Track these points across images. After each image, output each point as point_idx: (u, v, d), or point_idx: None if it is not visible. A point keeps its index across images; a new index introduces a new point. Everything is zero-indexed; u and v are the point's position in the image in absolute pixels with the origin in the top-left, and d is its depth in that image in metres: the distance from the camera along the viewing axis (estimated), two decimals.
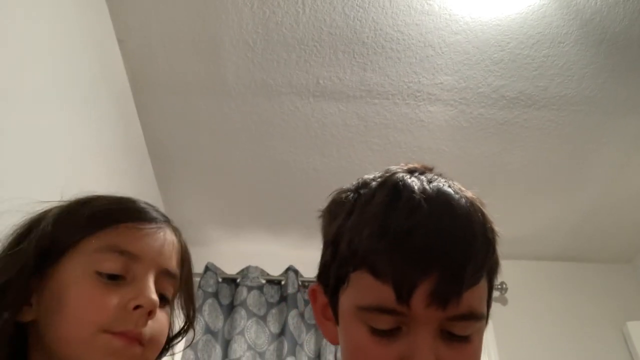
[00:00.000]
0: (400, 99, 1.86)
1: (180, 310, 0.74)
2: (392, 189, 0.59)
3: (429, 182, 0.60)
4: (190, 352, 2.03)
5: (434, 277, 0.52)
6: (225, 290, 2.28)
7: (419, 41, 1.69)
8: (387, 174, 0.63)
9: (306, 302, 2.27)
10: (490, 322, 2.15)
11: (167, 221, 0.74)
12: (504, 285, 2.42)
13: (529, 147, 2.02)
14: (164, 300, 0.68)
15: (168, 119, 1.92)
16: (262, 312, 2.21)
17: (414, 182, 0.59)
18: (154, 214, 0.72)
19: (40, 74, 1.24)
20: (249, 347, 2.09)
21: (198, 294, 2.19)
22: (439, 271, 0.52)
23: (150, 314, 0.63)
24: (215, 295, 2.23)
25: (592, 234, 2.47)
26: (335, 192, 0.71)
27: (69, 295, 0.61)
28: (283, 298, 2.26)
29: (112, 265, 0.63)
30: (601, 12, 1.60)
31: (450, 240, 0.54)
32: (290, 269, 2.29)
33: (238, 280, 2.29)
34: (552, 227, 2.43)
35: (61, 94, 1.34)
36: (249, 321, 2.16)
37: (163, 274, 0.68)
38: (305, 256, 2.46)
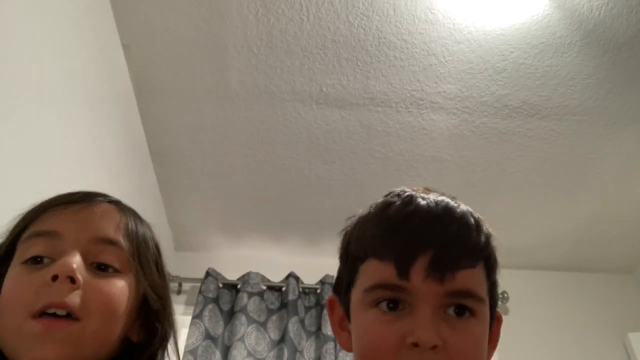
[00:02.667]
0: (403, 107, 1.86)
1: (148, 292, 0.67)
2: (391, 194, 0.67)
3: (433, 194, 0.66)
4: (190, 358, 2.02)
5: (430, 254, 0.58)
6: (226, 296, 2.27)
7: (423, 50, 1.69)
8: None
9: (307, 309, 2.26)
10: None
11: (111, 201, 0.70)
12: (506, 295, 2.41)
13: (531, 156, 2.02)
14: (108, 269, 0.63)
15: (171, 124, 1.93)
16: (262, 319, 2.21)
17: (418, 192, 0.66)
18: (88, 194, 0.68)
19: (44, 77, 1.24)
20: (249, 354, 2.08)
21: (198, 299, 2.19)
22: (435, 249, 0.59)
23: (73, 280, 0.58)
24: (216, 300, 2.23)
25: (594, 244, 2.46)
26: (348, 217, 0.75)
27: (2, 293, 0.60)
28: (283, 304, 2.25)
29: (34, 249, 0.61)
30: (604, 23, 1.60)
31: (444, 225, 0.61)
32: (291, 275, 2.29)
33: (239, 286, 2.29)
34: (554, 236, 2.42)
35: (65, 98, 1.34)
36: (249, 327, 2.15)
37: (97, 243, 0.63)
38: (307, 263, 2.47)
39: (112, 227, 0.65)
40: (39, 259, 0.61)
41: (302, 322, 2.20)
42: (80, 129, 1.45)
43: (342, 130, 1.95)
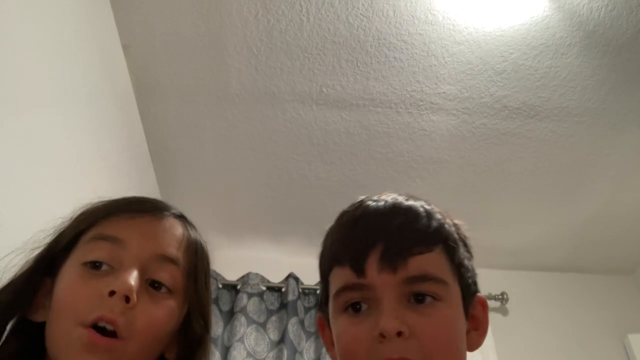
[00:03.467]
0: (403, 108, 1.86)
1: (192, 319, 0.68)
2: (350, 205, 0.71)
3: (388, 195, 0.69)
4: None
5: (380, 247, 0.61)
6: (225, 297, 2.27)
7: (422, 51, 1.69)
8: None
9: (306, 310, 2.26)
10: (490, 332, 2.14)
11: (177, 215, 0.70)
12: (505, 296, 2.41)
13: (531, 157, 2.02)
14: (161, 288, 0.64)
15: (171, 125, 1.93)
16: (262, 319, 2.21)
17: (372, 196, 0.70)
18: (153, 205, 0.69)
19: (44, 78, 1.24)
20: (249, 354, 2.08)
21: None
22: (384, 242, 0.62)
23: (128, 300, 0.58)
24: (215, 301, 2.22)
25: (594, 245, 2.46)
26: None
27: (58, 291, 0.61)
28: (283, 305, 2.25)
29: (96, 253, 0.62)
30: (604, 24, 1.60)
31: (391, 219, 0.64)
32: (290, 276, 2.29)
33: (238, 287, 2.29)
34: (553, 238, 2.42)
35: (65, 98, 1.34)
36: (249, 328, 2.15)
37: (158, 260, 0.64)
38: (306, 263, 2.46)
39: (174, 244, 0.67)
40: (98, 264, 0.61)
41: (301, 322, 2.20)
42: (80, 129, 1.45)
43: (342, 131, 1.95)
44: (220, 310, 2.22)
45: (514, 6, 1.57)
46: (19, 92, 1.12)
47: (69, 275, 0.62)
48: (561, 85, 1.78)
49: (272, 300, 2.29)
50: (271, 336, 2.17)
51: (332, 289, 0.65)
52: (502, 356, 2.28)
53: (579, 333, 2.38)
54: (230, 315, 2.21)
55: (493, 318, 2.40)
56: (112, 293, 0.58)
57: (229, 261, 2.42)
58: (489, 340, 2.32)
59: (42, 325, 0.62)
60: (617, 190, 2.17)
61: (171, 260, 0.65)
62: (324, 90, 1.81)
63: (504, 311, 2.44)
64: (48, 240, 0.67)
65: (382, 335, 0.57)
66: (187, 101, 1.84)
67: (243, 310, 2.18)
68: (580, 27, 1.62)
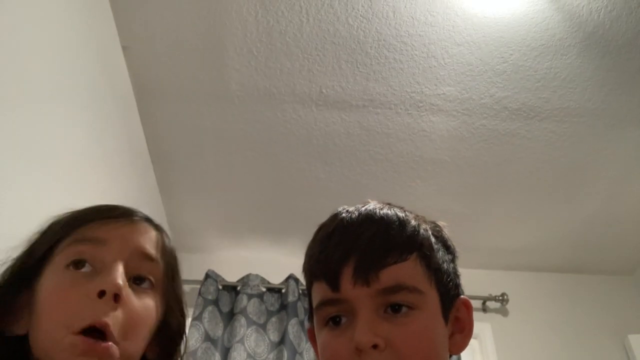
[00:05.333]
0: (403, 109, 1.86)
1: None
2: (327, 218, 0.71)
3: (364, 205, 0.70)
4: None
5: (353, 261, 0.62)
6: (226, 298, 2.27)
7: (422, 52, 1.69)
8: None
9: (307, 311, 2.26)
10: (490, 332, 2.14)
11: (144, 218, 0.71)
12: (505, 297, 2.41)
13: (531, 158, 2.02)
14: (143, 283, 0.65)
15: (171, 126, 1.93)
16: (262, 320, 2.21)
17: (348, 207, 0.70)
18: (125, 210, 0.70)
19: (45, 79, 1.24)
20: (249, 356, 2.08)
21: (198, 301, 2.19)
22: (356, 256, 0.62)
23: (117, 298, 0.59)
24: (215, 302, 2.22)
25: (594, 246, 2.46)
26: None
27: (40, 300, 0.60)
28: (283, 306, 2.25)
29: (77, 254, 0.62)
30: (604, 25, 1.60)
31: (362, 231, 0.64)
32: (291, 277, 2.29)
33: (238, 288, 2.29)
34: (554, 238, 2.42)
35: (65, 99, 1.34)
36: (249, 329, 2.15)
37: (137, 256, 0.65)
38: None
39: (152, 243, 0.68)
40: (81, 263, 0.61)
41: (301, 323, 2.20)
42: (80, 130, 1.45)
43: (341, 132, 1.95)
44: (220, 312, 2.22)
45: (514, 7, 1.57)
46: (18, 93, 1.12)
47: (53, 280, 0.61)
48: (561, 86, 1.78)
49: (272, 301, 2.29)
50: (271, 337, 2.17)
51: (314, 303, 0.67)
52: (502, 356, 2.28)
53: (579, 334, 2.38)
54: (230, 317, 2.21)
55: (493, 318, 2.41)
56: (101, 293, 0.58)
57: (229, 262, 2.43)
58: (489, 341, 2.32)
59: (21, 338, 0.61)
60: (617, 191, 2.17)
61: (151, 259, 0.66)
62: (324, 91, 1.81)
63: (504, 312, 2.44)
64: (18, 254, 0.66)
65: (358, 349, 0.58)
66: (186, 102, 1.84)
67: (243, 312, 2.18)
68: (580, 28, 1.62)
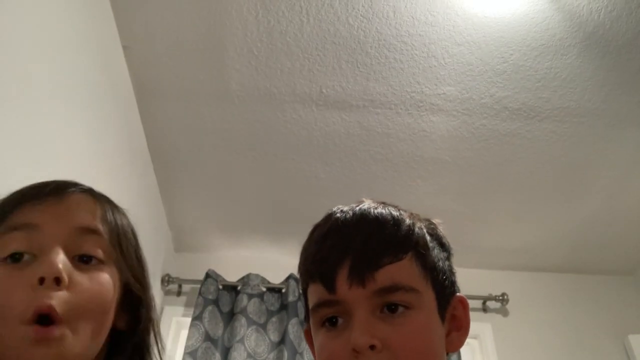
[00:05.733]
0: (403, 109, 1.86)
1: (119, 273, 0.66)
2: (322, 218, 0.71)
3: (359, 204, 0.69)
4: (189, 359, 2.02)
5: (348, 262, 0.62)
6: (226, 298, 2.27)
7: (422, 52, 1.69)
8: None
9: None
10: (491, 332, 2.14)
11: (84, 189, 0.68)
12: (506, 297, 2.41)
13: (531, 158, 2.02)
14: (91, 261, 0.62)
15: (171, 126, 1.93)
16: (262, 320, 2.21)
17: (343, 207, 0.70)
18: (55, 186, 0.66)
19: (45, 78, 1.24)
20: (249, 355, 2.08)
21: (198, 300, 2.19)
22: (351, 257, 0.62)
23: (59, 282, 0.56)
24: (216, 302, 2.23)
25: (594, 246, 2.46)
26: None
27: None
28: (283, 306, 2.25)
29: (13, 245, 0.59)
30: (604, 25, 1.60)
31: (357, 231, 0.64)
32: (291, 277, 2.29)
33: (239, 288, 2.29)
34: (554, 238, 2.42)
35: (65, 99, 1.34)
36: (249, 329, 2.15)
37: (79, 234, 0.62)
38: None
39: (89, 215, 0.64)
40: (17, 256, 0.59)
41: (302, 323, 2.20)
42: (80, 130, 1.45)
43: (342, 132, 1.95)
44: (221, 311, 2.22)
45: (514, 7, 1.57)
46: (19, 93, 1.12)
47: None
48: (561, 86, 1.78)
49: (273, 301, 2.29)
50: (271, 337, 2.17)
51: (310, 304, 0.66)
52: (502, 356, 2.28)
53: (580, 333, 2.39)
54: (230, 316, 2.21)
55: (493, 318, 2.41)
56: (41, 280, 0.56)
57: (229, 262, 2.43)
58: (489, 341, 2.32)
59: None
60: (617, 191, 2.17)
61: (92, 231, 0.63)
62: (324, 91, 1.81)
63: (504, 312, 2.44)
64: None
65: (355, 351, 0.58)
66: (187, 102, 1.84)
67: (243, 311, 2.18)
68: (580, 28, 1.62)
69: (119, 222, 0.68)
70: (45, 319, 0.56)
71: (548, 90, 1.79)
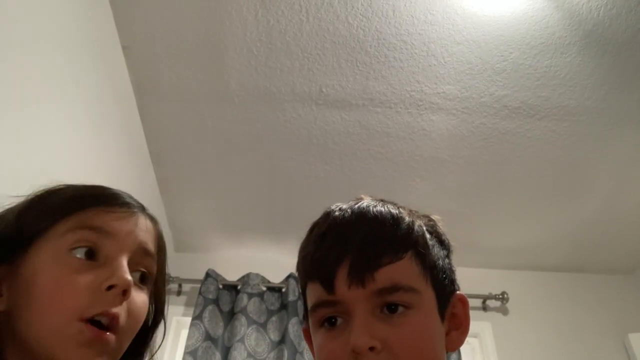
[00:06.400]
0: (403, 108, 1.86)
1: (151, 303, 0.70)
2: (320, 216, 0.71)
3: (357, 202, 0.69)
4: (190, 359, 2.02)
5: (347, 263, 0.61)
6: (226, 297, 2.27)
7: (422, 50, 1.69)
8: None
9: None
10: (491, 331, 2.14)
11: (142, 208, 0.71)
12: (506, 296, 2.41)
13: (531, 157, 2.02)
14: (144, 279, 0.66)
15: (171, 126, 1.93)
16: (262, 320, 2.21)
17: (341, 205, 0.69)
18: (127, 200, 0.69)
19: (44, 78, 1.24)
20: (249, 355, 2.08)
21: (198, 300, 2.19)
22: (350, 257, 0.61)
23: (125, 293, 0.59)
24: (216, 301, 2.23)
25: (594, 245, 2.46)
26: None
27: (39, 281, 0.58)
28: (284, 305, 2.25)
29: (84, 240, 0.61)
30: (604, 23, 1.60)
31: (356, 231, 0.63)
32: (291, 276, 2.29)
33: (239, 287, 2.29)
34: (554, 237, 2.42)
35: (65, 98, 1.34)
36: (249, 328, 2.15)
37: (140, 252, 0.65)
38: None
39: (152, 241, 0.68)
40: (90, 252, 0.61)
41: (302, 323, 2.20)
42: (80, 129, 1.45)
43: (341, 131, 1.95)
44: (221, 311, 2.22)
45: (514, 6, 1.57)
46: (18, 92, 1.12)
47: (55, 264, 0.59)
48: (561, 84, 1.78)
49: (273, 300, 2.29)
50: (272, 336, 2.17)
51: (309, 304, 0.66)
52: (502, 355, 2.29)
53: (579, 333, 2.39)
54: (230, 316, 2.21)
55: (493, 317, 2.41)
56: (110, 287, 0.58)
57: (229, 261, 2.43)
58: (489, 340, 2.32)
59: None
60: (617, 190, 2.17)
61: (151, 255, 0.67)
62: (324, 90, 1.81)
63: (504, 311, 2.44)
64: None
65: (355, 352, 0.57)
66: (186, 101, 1.84)
67: (243, 311, 2.18)
68: (580, 26, 1.62)
69: (165, 250, 0.72)
70: (98, 322, 0.58)
71: (547, 89, 1.79)
